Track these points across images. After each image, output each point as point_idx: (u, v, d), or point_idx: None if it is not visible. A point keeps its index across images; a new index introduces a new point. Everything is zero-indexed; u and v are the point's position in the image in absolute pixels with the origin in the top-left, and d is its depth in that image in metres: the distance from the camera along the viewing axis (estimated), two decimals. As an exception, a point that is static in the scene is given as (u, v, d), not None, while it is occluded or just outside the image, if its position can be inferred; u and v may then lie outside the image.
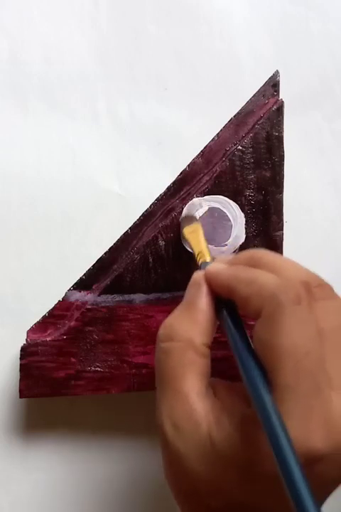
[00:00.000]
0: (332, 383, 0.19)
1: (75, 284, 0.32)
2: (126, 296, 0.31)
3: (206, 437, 0.20)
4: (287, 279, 0.21)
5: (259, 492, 0.20)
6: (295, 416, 0.19)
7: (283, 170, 0.32)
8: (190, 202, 0.31)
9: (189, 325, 0.23)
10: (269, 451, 0.18)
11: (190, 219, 0.31)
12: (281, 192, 0.32)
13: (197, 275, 0.24)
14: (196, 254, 0.28)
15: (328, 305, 0.21)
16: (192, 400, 0.21)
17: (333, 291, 0.22)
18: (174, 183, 0.33)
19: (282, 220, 0.32)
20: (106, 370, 0.31)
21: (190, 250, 0.30)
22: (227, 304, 0.23)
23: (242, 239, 0.32)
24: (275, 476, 0.17)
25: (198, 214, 0.31)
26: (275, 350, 0.20)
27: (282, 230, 0.32)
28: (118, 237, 0.33)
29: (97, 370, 0.31)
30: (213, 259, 0.27)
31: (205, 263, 0.26)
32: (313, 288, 0.21)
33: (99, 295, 0.31)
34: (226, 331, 0.23)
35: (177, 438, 0.21)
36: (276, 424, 0.18)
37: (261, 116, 0.33)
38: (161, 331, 0.23)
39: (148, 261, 0.31)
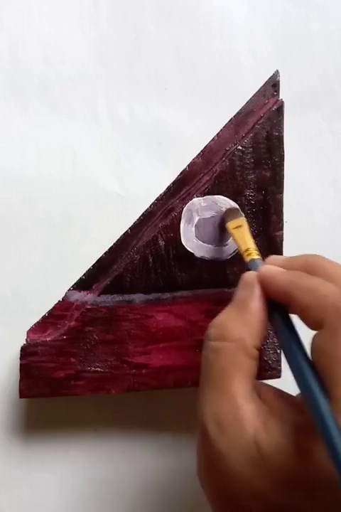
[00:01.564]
0: None
1: (75, 284, 0.32)
2: (126, 296, 0.31)
3: (252, 441, 0.20)
4: None
5: (306, 499, 0.20)
6: None
7: (283, 170, 0.32)
8: (190, 202, 0.31)
9: (241, 326, 0.22)
10: (322, 459, 0.18)
11: (235, 212, 0.30)
12: (281, 192, 0.32)
13: (249, 276, 0.24)
14: (243, 251, 0.27)
15: None
16: (240, 401, 0.21)
17: None
18: (174, 183, 0.33)
19: (282, 220, 0.32)
20: (106, 370, 0.31)
21: (234, 242, 0.29)
22: (279, 308, 0.23)
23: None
24: (328, 484, 0.17)
25: (198, 214, 0.31)
26: (336, 361, 0.19)
27: (282, 230, 0.32)
28: (118, 237, 0.33)
29: (97, 370, 0.31)
30: (260, 256, 0.27)
31: (255, 262, 0.26)
32: None
33: (99, 295, 0.31)
34: (280, 336, 0.23)
35: (221, 437, 0.21)
36: (334, 431, 0.18)
37: (261, 116, 0.33)
38: (211, 329, 0.23)
39: (148, 261, 0.31)
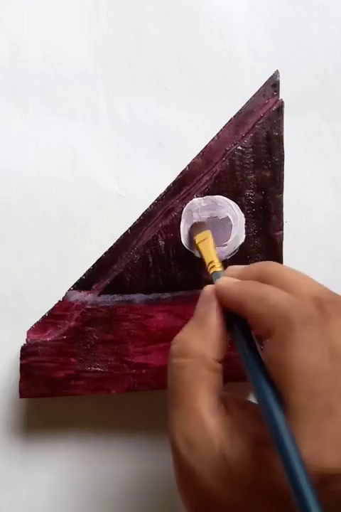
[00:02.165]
0: None
1: (75, 284, 0.32)
2: (126, 296, 0.31)
3: (219, 454, 0.20)
4: (298, 295, 0.21)
5: (273, 508, 0.20)
6: (308, 436, 0.19)
7: (283, 170, 0.32)
8: (190, 202, 0.31)
9: (201, 341, 0.23)
10: (282, 470, 0.18)
11: (201, 226, 0.31)
12: (281, 192, 0.32)
13: (208, 289, 0.24)
14: (207, 264, 0.28)
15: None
16: (205, 415, 0.21)
17: None
18: (174, 183, 0.33)
19: (282, 220, 0.32)
20: (106, 370, 0.31)
21: (200, 257, 0.30)
22: (239, 319, 0.23)
23: (242, 239, 0.32)
24: (289, 497, 0.17)
25: (198, 214, 0.31)
26: (288, 370, 0.20)
27: (282, 230, 0.32)
28: (118, 237, 0.33)
29: (97, 370, 0.31)
30: (225, 267, 0.27)
31: (216, 274, 0.26)
32: (326, 304, 0.21)
33: (99, 295, 0.31)
34: (238, 348, 0.23)
35: (190, 453, 0.21)
36: (289, 445, 0.18)
37: (261, 116, 0.33)
38: (173, 346, 0.23)
39: (148, 261, 0.31)
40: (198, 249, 0.30)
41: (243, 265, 0.26)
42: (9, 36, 0.34)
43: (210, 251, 0.29)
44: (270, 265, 0.24)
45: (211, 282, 0.26)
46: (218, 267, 0.27)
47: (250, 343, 0.22)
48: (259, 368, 0.21)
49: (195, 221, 0.31)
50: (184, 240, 0.31)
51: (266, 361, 0.21)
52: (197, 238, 0.30)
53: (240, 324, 0.23)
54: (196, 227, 0.31)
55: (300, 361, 0.19)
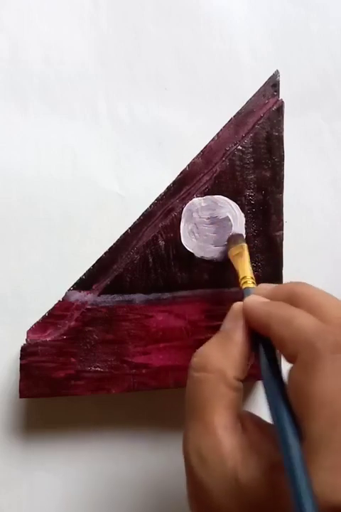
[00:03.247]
0: None
1: (75, 284, 0.32)
2: (126, 296, 0.31)
3: (231, 474, 0.20)
4: (326, 320, 0.21)
5: None
6: (325, 467, 0.18)
7: (283, 170, 0.32)
8: (190, 202, 0.31)
9: (222, 357, 0.22)
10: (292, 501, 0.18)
11: (237, 238, 0.31)
12: (281, 192, 0.32)
13: (236, 306, 0.24)
14: (240, 278, 0.28)
15: None
16: (220, 433, 0.21)
17: None
18: (174, 183, 0.33)
19: (282, 220, 0.32)
20: (106, 370, 0.31)
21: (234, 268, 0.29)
22: (264, 340, 0.23)
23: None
24: None
25: (198, 214, 0.31)
26: (310, 399, 0.19)
27: (282, 229, 0.32)
28: (118, 237, 0.33)
29: (97, 370, 0.31)
30: (255, 284, 0.27)
31: (247, 290, 0.26)
32: None
33: (99, 295, 0.31)
34: (261, 369, 0.22)
35: (203, 469, 0.21)
36: (299, 474, 0.18)
37: (261, 116, 0.33)
38: (195, 358, 0.23)
39: (148, 261, 0.31)
40: (233, 262, 0.29)
41: (273, 285, 0.25)
42: (9, 36, 0.34)
43: (244, 265, 0.28)
44: (299, 286, 0.23)
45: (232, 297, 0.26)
46: (250, 283, 0.27)
47: (273, 366, 0.22)
48: (279, 393, 0.21)
49: (232, 233, 0.31)
50: (184, 240, 0.31)
51: (289, 387, 0.21)
52: (232, 251, 0.30)
53: (265, 345, 0.22)
54: (232, 239, 0.31)
55: (323, 390, 0.19)
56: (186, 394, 0.23)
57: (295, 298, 0.22)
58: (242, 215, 0.32)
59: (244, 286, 0.27)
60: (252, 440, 0.21)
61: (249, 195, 0.32)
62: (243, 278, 0.27)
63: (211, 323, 0.31)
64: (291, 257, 0.33)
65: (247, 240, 0.31)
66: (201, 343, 0.31)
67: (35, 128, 0.33)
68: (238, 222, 0.32)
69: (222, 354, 0.22)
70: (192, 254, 0.31)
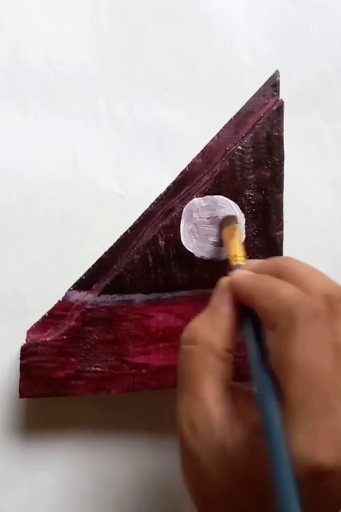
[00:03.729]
0: None
1: (75, 284, 0.32)
2: (126, 296, 0.31)
3: (219, 442, 0.20)
4: (309, 291, 0.21)
5: (264, 506, 0.20)
6: (303, 430, 0.19)
7: (283, 170, 0.32)
8: (190, 202, 0.31)
9: (211, 329, 0.23)
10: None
11: (230, 220, 0.31)
12: (281, 192, 0.32)
13: (223, 281, 0.25)
14: (230, 256, 0.28)
15: None
16: (210, 403, 0.21)
17: None
18: (174, 183, 0.33)
19: (282, 220, 0.32)
20: (106, 370, 0.31)
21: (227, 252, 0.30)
22: (251, 313, 0.23)
23: (242, 239, 0.32)
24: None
25: (198, 214, 0.31)
26: (287, 364, 0.20)
27: (282, 230, 0.32)
28: (118, 237, 0.33)
29: (97, 370, 0.31)
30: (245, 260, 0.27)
31: (236, 267, 0.27)
32: (335, 302, 0.21)
33: (99, 295, 0.31)
34: (246, 340, 0.23)
35: (193, 438, 0.21)
36: (275, 435, 0.18)
37: (261, 116, 0.33)
38: (184, 333, 0.24)
39: (148, 261, 0.31)
40: (224, 241, 0.30)
41: (261, 260, 0.26)
42: (9, 36, 0.34)
43: (235, 243, 0.29)
44: (285, 260, 0.24)
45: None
46: (240, 260, 0.27)
47: (258, 337, 0.22)
48: (261, 361, 0.21)
49: (226, 214, 0.31)
50: (184, 240, 0.31)
51: (271, 356, 0.21)
52: (225, 231, 0.30)
53: (251, 318, 0.23)
54: (226, 220, 0.31)
55: (301, 355, 0.19)
56: (178, 367, 0.23)
57: (280, 271, 0.23)
58: (242, 215, 0.32)
59: (233, 264, 0.27)
60: (240, 410, 0.21)
61: (249, 195, 0.32)
62: (233, 256, 0.28)
63: (211, 323, 0.31)
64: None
65: (247, 240, 0.31)
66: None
67: (35, 128, 0.33)
68: (238, 223, 0.31)
69: (211, 327, 0.23)
70: (192, 254, 0.31)
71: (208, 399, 0.21)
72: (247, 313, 0.23)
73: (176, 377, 0.31)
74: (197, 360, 0.22)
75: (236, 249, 0.28)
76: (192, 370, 0.22)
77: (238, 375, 0.24)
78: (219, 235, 0.31)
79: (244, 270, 0.25)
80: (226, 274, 0.25)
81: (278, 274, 0.23)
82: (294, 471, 0.18)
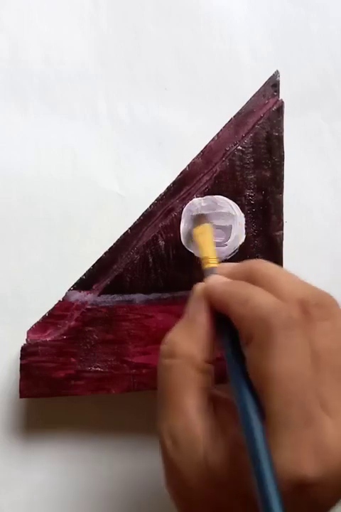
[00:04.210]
0: (327, 407, 0.19)
1: (75, 284, 0.32)
2: (126, 296, 0.31)
3: (202, 456, 0.20)
4: (283, 297, 0.21)
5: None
6: (285, 444, 0.18)
7: (283, 170, 0.32)
8: (190, 202, 0.31)
9: (189, 341, 0.22)
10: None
11: (201, 218, 0.30)
12: (281, 192, 0.32)
13: (198, 288, 0.24)
14: (202, 259, 0.27)
15: (326, 326, 0.20)
16: (192, 416, 0.21)
17: (335, 307, 0.21)
18: (174, 183, 0.33)
19: (282, 220, 0.32)
20: (106, 370, 0.31)
21: (195, 253, 0.29)
22: (226, 321, 0.22)
23: (242, 239, 0.32)
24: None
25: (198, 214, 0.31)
26: (265, 377, 0.19)
27: (282, 230, 0.32)
28: (118, 237, 0.33)
29: (97, 370, 0.31)
30: (218, 263, 0.26)
31: (208, 270, 0.26)
32: (311, 308, 0.20)
33: (99, 295, 0.31)
34: (224, 350, 0.22)
35: (176, 452, 0.21)
36: (259, 450, 0.18)
37: (261, 116, 0.33)
38: (163, 346, 0.23)
39: (148, 261, 0.31)
40: (196, 241, 0.29)
41: (234, 263, 0.25)
42: (9, 36, 0.34)
43: (207, 245, 0.28)
44: (258, 263, 0.23)
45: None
46: (212, 263, 0.26)
47: (236, 347, 0.22)
48: (241, 373, 0.21)
49: (195, 213, 0.31)
50: (184, 240, 0.31)
51: (248, 367, 0.21)
52: (196, 231, 0.30)
53: (228, 326, 0.22)
54: (196, 220, 0.30)
55: (278, 368, 0.19)
56: (158, 381, 0.23)
57: (254, 276, 0.22)
58: (242, 215, 0.32)
59: (204, 267, 0.26)
60: (222, 421, 0.21)
61: (249, 195, 0.32)
62: (204, 258, 0.27)
63: (211, 323, 0.31)
64: (291, 257, 0.33)
65: (247, 240, 0.31)
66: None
67: (35, 128, 0.33)
68: (238, 222, 0.32)
69: (189, 338, 0.22)
70: (192, 254, 0.31)
71: (190, 413, 0.21)
72: (223, 320, 0.23)
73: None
74: (177, 374, 0.22)
75: (207, 251, 0.28)
76: (173, 384, 0.22)
77: (218, 378, 0.23)
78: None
79: (219, 276, 0.24)
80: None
81: (252, 278, 0.22)
82: (278, 485, 0.18)
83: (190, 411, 0.21)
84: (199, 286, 0.24)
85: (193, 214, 0.31)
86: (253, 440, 0.18)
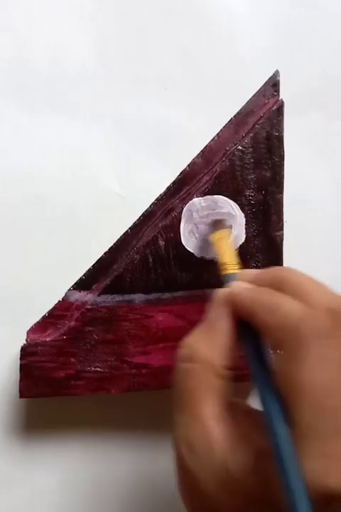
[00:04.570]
0: None
1: (75, 284, 0.32)
2: (126, 296, 0.31)
3: (221, 463, 0.20)
4: (312, 305, 0.20)
5: None
6: (314, 454, 0.18)
7: (283, 170, 0.32)
8: (190, 202, 0.31)
9: (208, 346, 0.22)
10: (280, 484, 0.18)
11: (219, 223, 0.30)
12: (281, 192, 0.32)
13: (219, 294, 0.24)
14: (221, 264, 0.27)
15: None
16: (209, 423, 0.21)
17: None
18: (174, 183, 0.33)
19: (282, 220, 0.32)
20: (106, 370, 0.31)
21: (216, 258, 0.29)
22: (250, 328, 0.22)
23: (242, 239, 0.32)
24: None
25: (198, 214, 0.31)
26: (296, 386, 0.19)
27: (282, 229, 0.32)
28: (119, 237, 0.33)
29: (97, 370, 0.31)
30: (239, 268, 0.26)
31: (229, 276, 0.26)
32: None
33: (99, 295, 0.31)
34: (247, 357, 0.22)
35: (192, 459, 0.21)
36: (288, 461, 0.18)
37: (261, 116, 0.33)
38: (181, 350, 0.23)
39: (148, 261, 0.31)
40: (214, 247, 0.29)
41: (257, 270, 0.25)
42: (14, 36, 0.34)
43: (226, 250, 0.28)
44: (284, 271, 0.23)
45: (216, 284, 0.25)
46: (231, 268, 0.26)
47: (260, 354, 0.22)
48: (267, 381, 0.21)
49: (215, 218, 0.31)
50: (184, 240, 0.31)
51: (276, 375, 0.21)
52: (214, 236, 0.29)
53: (251, 333, 0.22)
54: (214, 225, 0.30)
55: (309, 378, 0.19)
56: (175, 385, 0.23)
57: (280, 283, 0.22)
58: (242, 215, 0.32)
59: (224, 272, 0.26)
60: (241, 429, 0.21)
61: (249, 195, 0.32)
62: (224, 263, 0.27)
63: (211, 323, 0.31)
64: (291, 257, 0.33)
65: (247, 240, 0.31)
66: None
67: (36, 128, 0.33)
68: (238, 222, 0.32)
69: (208, 343, 0.22)
70: (192, 254, 0.31)
71: (207, 419, 0.21)
72: (246, 327, 0.22)
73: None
74: (195, 379, 0.22)
75: (226, 257, 0.27)
76: (190, 388, 0.22)
77: (237, 376, 0.23)
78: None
79: (242, 282, 0.24)
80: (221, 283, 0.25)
81: (278, 286, 0.22)
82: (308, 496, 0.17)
83: (206, 417, 0.21)
84: (221, 292, 0.24)
85: (211, 220, 0.31)
86: (282, 450, 0.18)
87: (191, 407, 0.21)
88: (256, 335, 0.22)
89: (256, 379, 0.21)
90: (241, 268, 0.27)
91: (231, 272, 0.26)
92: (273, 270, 0.24)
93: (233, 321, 0.23)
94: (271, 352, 0.22)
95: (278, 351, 0.20)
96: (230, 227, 0.30)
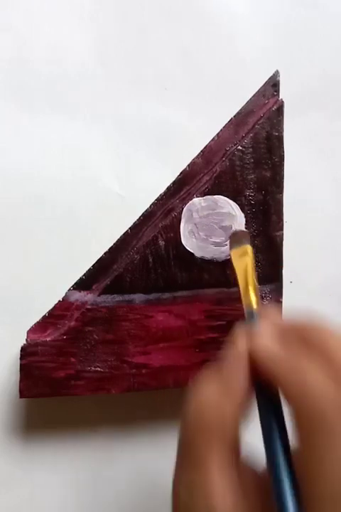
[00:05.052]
0: None
1: (75, 284, 0.32)
2: (126, 296, 0.31)
3: None
4: (336, 370, 0.19)
5: None
6: None
7: (283, 170, 0.32)
8: (190, 202, 0.31)
9: (222, 405, 0.21)
10: None
11: (241, 236, 0.28)
12: (281, 192, 0.32)
13: (240, 344, 0.22)
14: (242, 290, 0.25)
15: None
16: (214, 480, 0.20)
17: None
18: (174, 183, 0.33)
19: (282, 220, 0.32)
20: (106, 370, 0.31)
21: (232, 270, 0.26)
22: (269, 390, 0.21)
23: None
24: None
25: (198, 214, 0.31)
26: (317, 475, 0.18)
27: (282, 229, 0.32)
28: (119, 237, 0.33)
29: (97, 370, 0.31)
30: (259, 301, 0.24)
31: (251, 315, 0.23)
32: None
33: (99, 295, 0.31)
34: (261, 420, 0.21)
35: (190, 504, 0.20)
36: None
37: (261, 116, 0.33)
38: (191, 405, 0.21)
39: (148, 261, 0.31)
40: (234, 266, 0.26)
41: (285, 318, 0.23)
42: (12, 36, 0.34)
43: (248, 274, 0.25)
44: (313, 330, 0.21)
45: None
46: (254, 302, 0.24)
47: (276, 419, 0.21)
48: (282, 453, 0.20)
49: (235, 229, 0.29)
50: (184, 240, 0.31)
51: (294, 452, 0.20)
52: (234, 253, 0.27)
53: (269, 397, 0.21)
54: (235, 238, 0.28)
55: (332, 471, 0.18)
56: (181, 433, 0.22)
57: (308, 342, 0.21)
58: (242, 215, 0.32)
59: (246, 307, 0.24)
60: (246, 486, 0.20)
61: (249, 195, 0.32)
62: (246, 292, 0.24)
63: (211, 323, 0.31)
64: (291, 257, 0.33)
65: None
66: (201, 342, 0.31)
67: (36, 128, 0.33)
68: (238, 222, 0.32)
69: (222, 402, 0.21)
70: (192, 254, 0.31)
71: (213, 475, 0.20)
72: (265, 390, 0.21)
73: (176, 377, 0.31)
74: (204, 439, 0.20)
75: (248, 282, 0.24)
76: (198, 442, 0.21)
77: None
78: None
79: (266, 335, 0.22)
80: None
81: (306, 344, 0.20)
82: None
83: (212, 473, 0.20)
84: (241, 342, 0.22)
85: (232, 230, 0.28)
86: None
87: (197, 459, 0.20)
88: (274, 400, 0.21)
89: (269, 447, 0.20)
90: (259, 292, 0.24)
91: (254, 309, 0.24)
92: (301, 325, 0.22)
93: (251, 377, 0.21)
94: (290, 422, 0.20)
95: (299, 427, 0.19)
96: (251, 242, 0.27)
